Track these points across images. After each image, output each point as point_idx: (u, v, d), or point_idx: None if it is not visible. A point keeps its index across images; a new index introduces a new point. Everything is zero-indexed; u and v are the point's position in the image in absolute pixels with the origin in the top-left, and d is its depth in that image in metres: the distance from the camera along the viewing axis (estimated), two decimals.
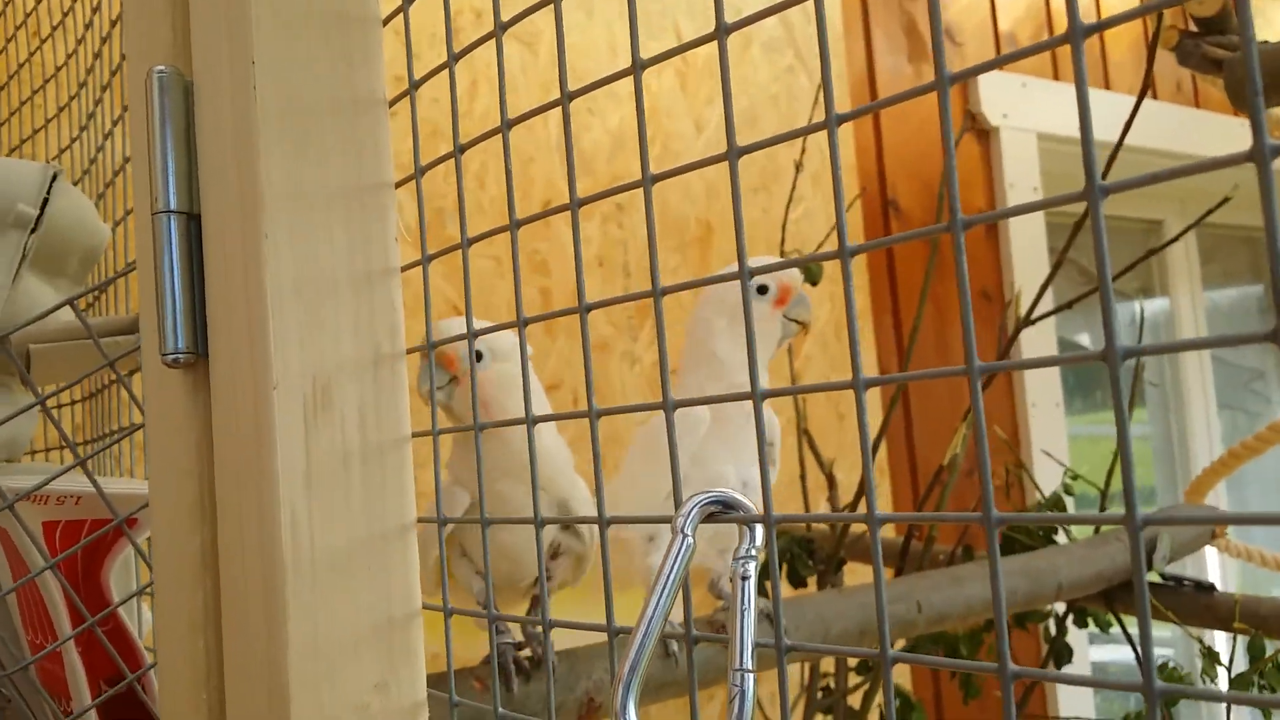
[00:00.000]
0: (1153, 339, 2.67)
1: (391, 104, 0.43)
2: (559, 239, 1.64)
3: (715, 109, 1.78)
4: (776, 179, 1.77)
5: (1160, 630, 1.15)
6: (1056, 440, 2.03)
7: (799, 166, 1.41)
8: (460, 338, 0.44)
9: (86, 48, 0.93)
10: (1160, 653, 1.20)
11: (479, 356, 0.77)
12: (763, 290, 0.86)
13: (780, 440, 0.98)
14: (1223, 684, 1.09)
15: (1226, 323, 2.97)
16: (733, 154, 0.35)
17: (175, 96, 0.43)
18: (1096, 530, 1.27)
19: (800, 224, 1.81)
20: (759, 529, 0.30)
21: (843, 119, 0.32)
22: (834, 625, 0.97)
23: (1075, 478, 1.22)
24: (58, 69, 0.97)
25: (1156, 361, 2.67)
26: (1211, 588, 1.14)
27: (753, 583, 0.29)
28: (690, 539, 0.30)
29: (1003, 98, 2.03)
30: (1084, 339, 2.72)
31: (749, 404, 0.97)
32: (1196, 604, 1.14)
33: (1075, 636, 1.36)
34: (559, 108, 0.38)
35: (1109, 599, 1.19)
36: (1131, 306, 2.70)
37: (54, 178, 0.72)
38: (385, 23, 0.44)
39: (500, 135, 0.40)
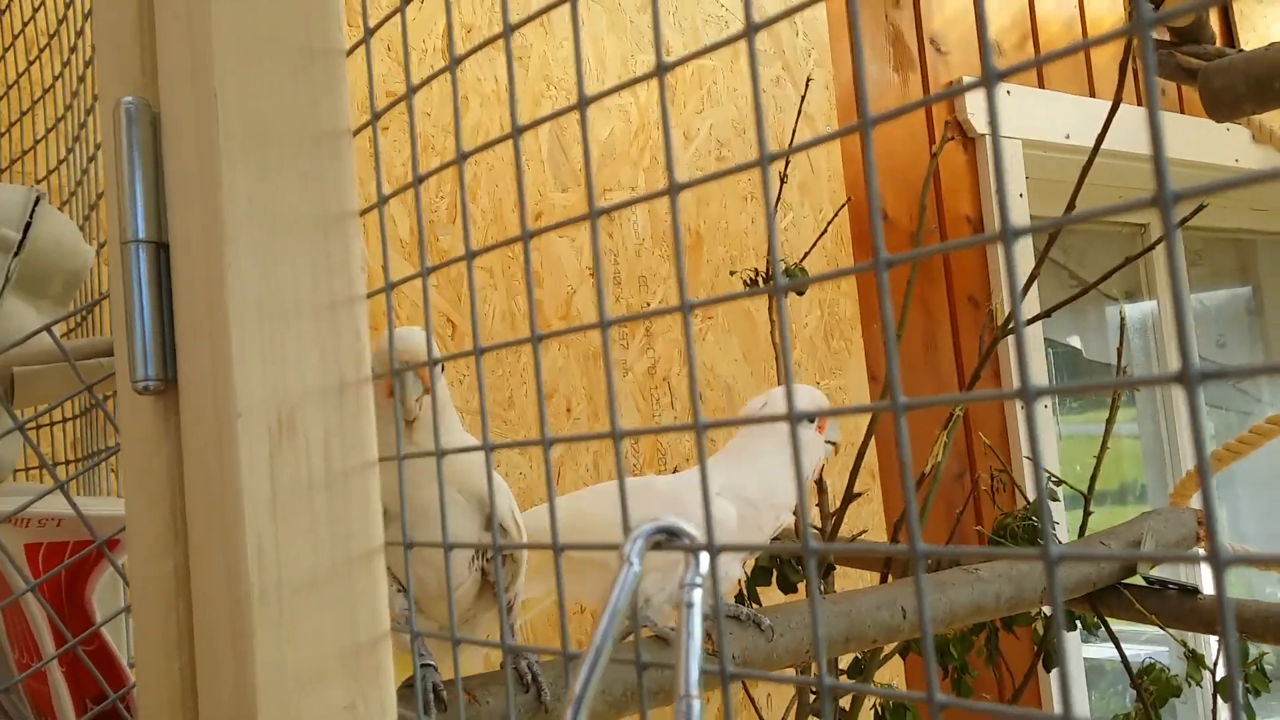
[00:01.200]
0: (1140, 342, 2.68)
1: (381, 114, 0.44)
2: (551, 250, 1.65)
3: (704, 119, 1.79)
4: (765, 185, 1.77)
5: (1155, 630, 1.16)
6: (1046, 441, 2.04)
7: (784, 177, 1.42)
8: (433, 361, 0.45)
9: (73, 70, 0.94)
10: (1152, 651, 1.20)
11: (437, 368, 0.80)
12: (811, 420, 0.95)
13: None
14: (1208, 687, 1.10)
15: (1215, 324, 2.98)
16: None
17: (143, 127, 0.44)
18: (1081, 534, 1.28)
19: (789, 232, 1.82)
20: (704, 557, 0.31)
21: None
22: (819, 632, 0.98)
23: (1059, 483, 1.23)
24: (45, 90, 0.97)
25: (1146, 361, 2.68)
26: (1196, 591, 1.15)
27: (697, 610, 0.30)
28: (636, 568, 0.31)
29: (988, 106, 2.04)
30: (1075, 341, 2.73)
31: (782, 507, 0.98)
32: (1181, 607, 1.14)
33: (1066, 637, 1.37)
34: (556, 116, 0.39)
35: (1094, 602, 1.20)
36: (1116, 309, 2.71)
37: (36, 201, 0.73)
38: (375, 30, 0.45)
39: (495, 145, 0.40)
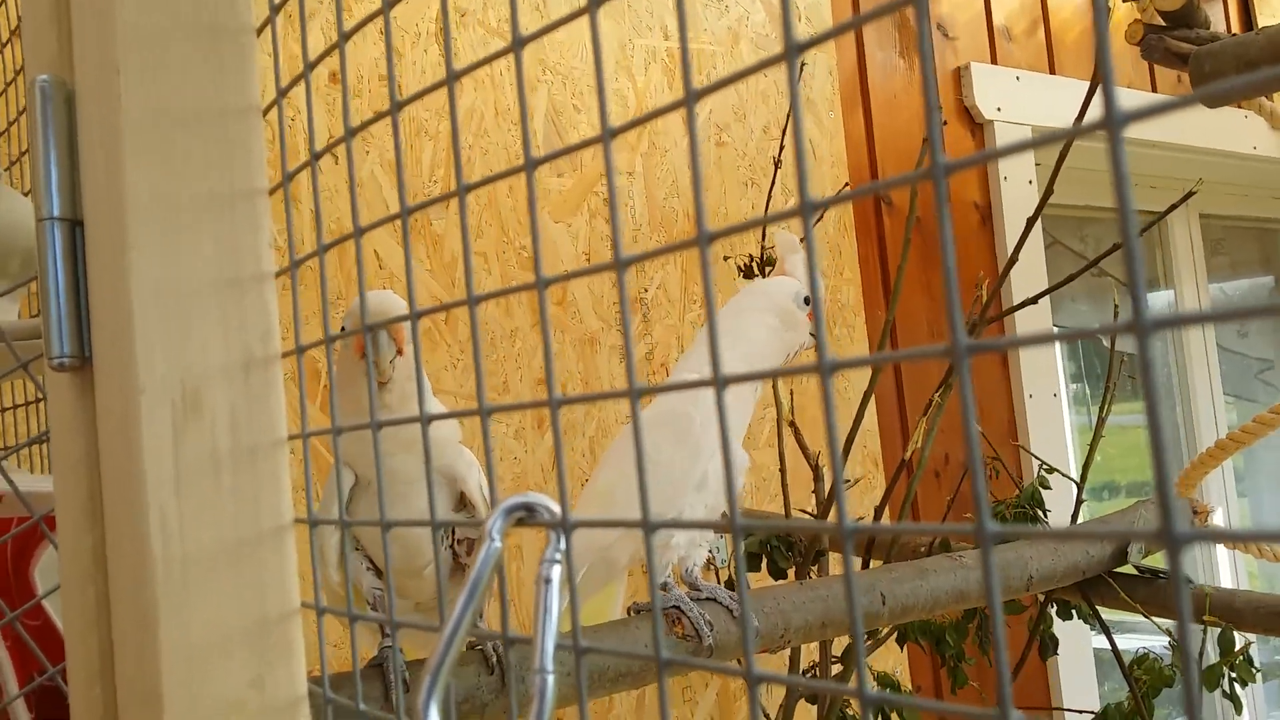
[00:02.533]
0: (1161, 331, 2.64)
1: (286, 90, 0.44)
2: (547, 234, 1.65)
3: (703, 104, 1.78)
4: (765, 174, 1.76)
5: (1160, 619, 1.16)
6: (1054, 430, 2.02)
7: (778, 163, 1.41)
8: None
9: (12, 48, 0.94)
10: (1150, 643, 1.19)
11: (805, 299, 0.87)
12: (806, 300, 0.93)
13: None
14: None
15: None
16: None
17: (58, 105, 0.44)
18: (1074, 519, 1.26)
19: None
20: (576, 533, 0.30)
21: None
22: (793, 618, 0.98)
23: (1050, 470, 1.21)
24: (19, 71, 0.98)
25: (1163, 351, 2.64)
26: (1187, 580, 1.14)
27: (555, 586, 0.30)
28: (498, 543, 0.31)
29: (996, 91, 2.02)
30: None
31: (746, 396, 0.98)
32: (1170, 596, 1.13)
33: (1076, 626, 1.36)
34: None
35: (1085, 591, 1.18)
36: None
37: None
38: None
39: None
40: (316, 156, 0.41)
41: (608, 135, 0.34)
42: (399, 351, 0.76)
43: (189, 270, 0.41)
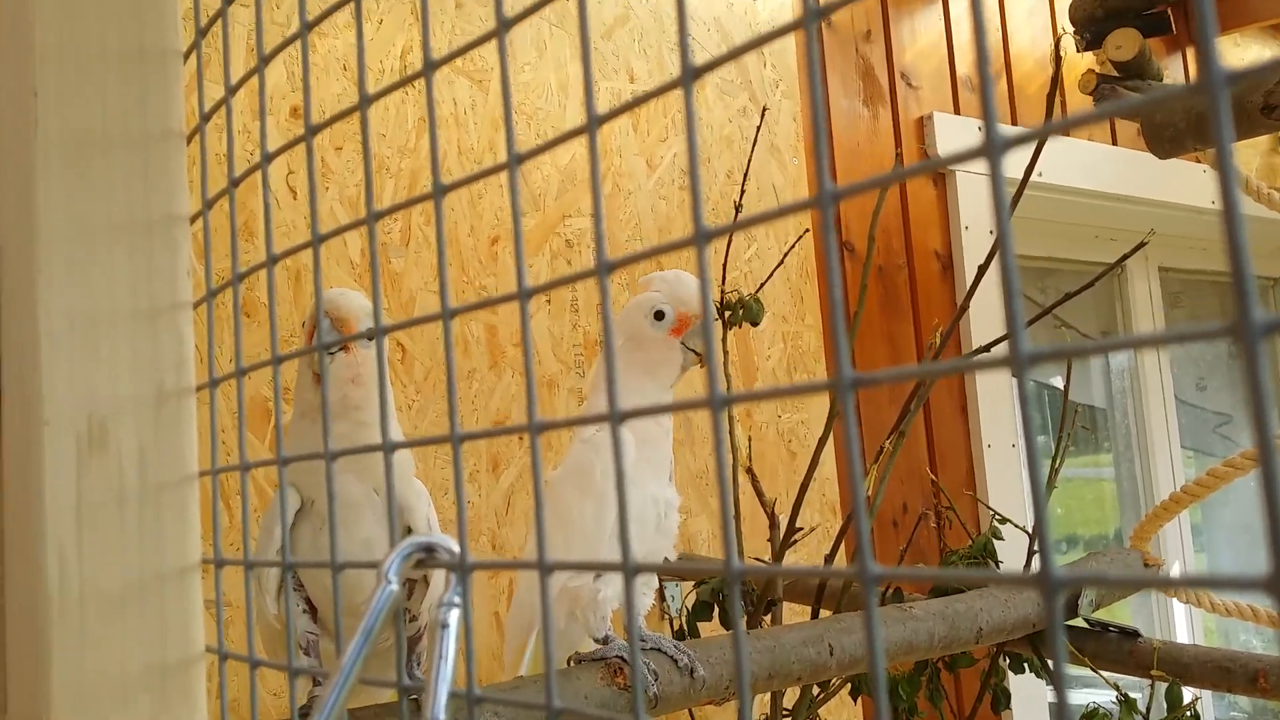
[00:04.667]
0: (1118, 384, 2.67)
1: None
2: (506, 274, 1.64)
3: (668, 147, 1.79)
4: (727, 217, 1.77)
5: (1117, 675, 1.15)
6: (1011, 481, 2.02)
7: (739, 207, 1.41)
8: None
9: None
10: (1098, 698, 1.18)
11: (365, 335, 0.77)
12: (660, 316, 0.87)
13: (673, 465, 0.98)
14: None
15: (1195, 367, 2.97)
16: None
17: None
18: (1026, 567, 1.26)
19: (752, 263, 1.81)
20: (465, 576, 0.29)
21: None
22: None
23: (1003, 521, 1.21)
24: None
25: (1122, 405, 2.66)
26: (1136, 634, 1.13)
27: (453, 630, 0.29)
28: (394, 586, 0.29)
29: (959, 140, 2.04)
30: (1057, 382, 2.72)
31: (668, 426, 0.96)
32: (1120, 650, 1.13)
33: (1032, 680, 1.35)
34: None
35: (1035, 644, 1.18)
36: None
37: None
38: (206, 30, 0.44)
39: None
40: (235, 183, 0.40)
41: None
42: (344, 348, 0.74)
43: (101, 298, 0.40)
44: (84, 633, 0.39)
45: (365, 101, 0.35)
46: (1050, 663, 1.17)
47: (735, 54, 0.29)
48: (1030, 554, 1.23)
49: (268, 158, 0.38)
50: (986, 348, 1.07)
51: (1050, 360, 0.21)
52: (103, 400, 0.40)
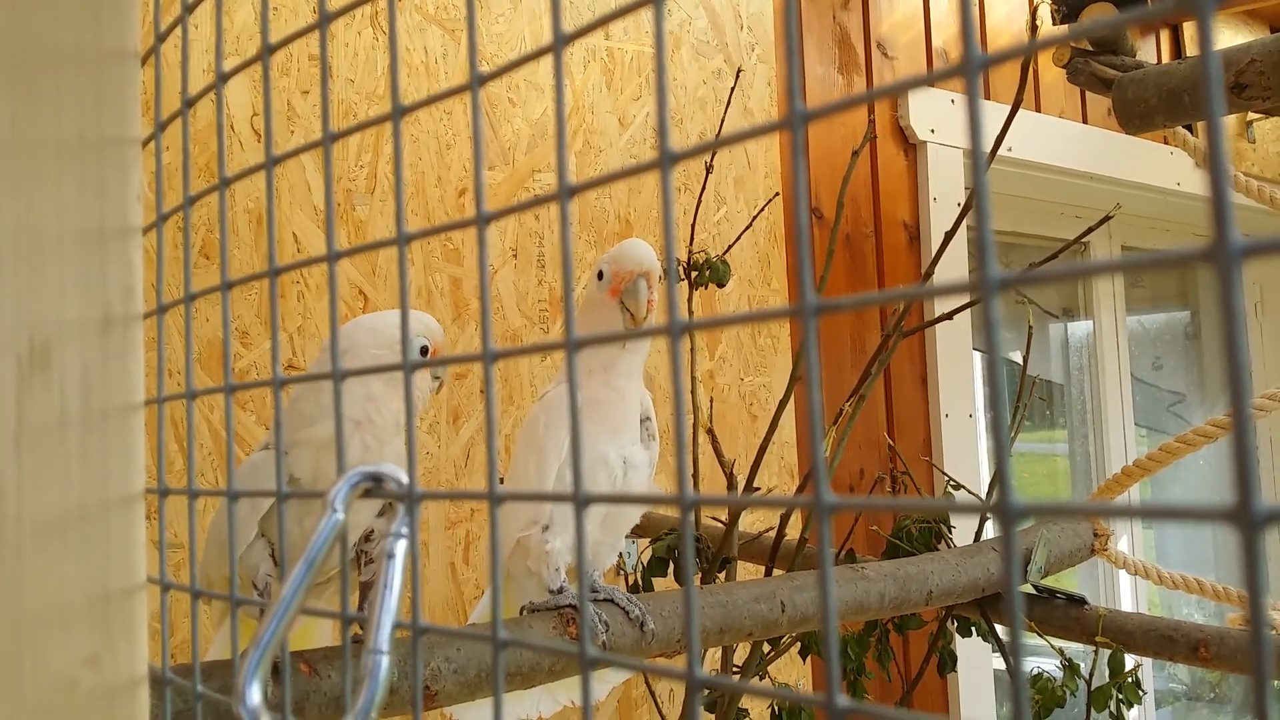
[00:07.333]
0: (1076, 360, 2.70)
1: (165, 34, 0.42)
2: (472, 230, 1.62)
3: (640, 105, 1.77)
4: (698, 179, 1.76)
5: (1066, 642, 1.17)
6: (968, 450, 2.04)
7: (709, 168, 1.41)
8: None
9: None
10: (1046, 664, 1.20)
11: (423, 351, 0.86)
12: (600, 276, 0.89)
13: (655, 415, 0.98)
14: (1082, 696, 1.10)
15: (1152, 347, 3.01)
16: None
17: None
18: (977, 537, 1.27)
19: (721, 225, 1.81)
20: (413, 507, 0.29)
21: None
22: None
23: (957, 487, 1.22)
24: None
25: (1079, 381, 2.70)
26: (1083, 601, 1.15)
27: (398, 561, 0.28)
28: (339, 515, 0.29)
29: (931, 113, 2.04)
30: (1015, 356, 2.75)
31: (624, 388, 0.96)
32: (1066, 617, 1.14)
33: (979, 646, 1.37)
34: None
35: (984, 608, 1.19)
36: (1060, 327, 2.73)
37: None
38: None
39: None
40: (189, 103, 0.39)
41: (559, 41, 0.33)
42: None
43: (46, 217, 0.39)
44: (21, 559, 0.39)
45: (325, 20, 0.35)
46: (996, 626, 1.19)
47: None
48: (982, 521, 1.25)
49: (223, 76, 0.37)
50: (950, 315, 1.08)
51: (1018, 284, 0.21)
52: (46, 322, 0.39)
